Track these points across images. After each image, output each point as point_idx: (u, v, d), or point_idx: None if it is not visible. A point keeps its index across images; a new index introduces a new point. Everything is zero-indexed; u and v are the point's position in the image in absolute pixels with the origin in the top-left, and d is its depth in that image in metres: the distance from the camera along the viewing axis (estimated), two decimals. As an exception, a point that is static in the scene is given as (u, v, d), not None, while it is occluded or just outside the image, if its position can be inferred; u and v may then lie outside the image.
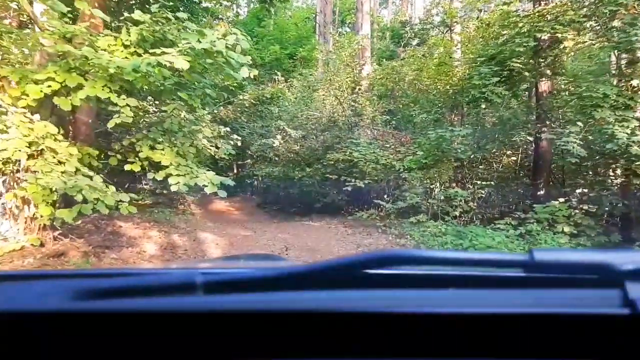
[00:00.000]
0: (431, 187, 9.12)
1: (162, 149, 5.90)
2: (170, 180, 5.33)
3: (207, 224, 10.81)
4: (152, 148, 5.93)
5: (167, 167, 5.57)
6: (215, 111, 10.72)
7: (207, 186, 5.40)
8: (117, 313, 0.62)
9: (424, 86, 13.60)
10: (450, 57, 11.94)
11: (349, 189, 10.08)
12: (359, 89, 13.03)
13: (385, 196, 13.75)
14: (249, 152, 18.66)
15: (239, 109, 10.45)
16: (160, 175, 5.50)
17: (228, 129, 10.03)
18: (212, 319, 0.61)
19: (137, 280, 0.74)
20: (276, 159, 15.15)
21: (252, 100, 10.50)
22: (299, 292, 0.63)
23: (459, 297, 0.63)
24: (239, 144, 9.83)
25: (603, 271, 0.61)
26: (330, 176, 11.20)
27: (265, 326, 0.61)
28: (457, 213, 8.40)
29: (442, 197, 8.78)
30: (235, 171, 21.69)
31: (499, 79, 8.01)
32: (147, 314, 0.62)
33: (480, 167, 9.86)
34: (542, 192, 9.81)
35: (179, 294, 0.64)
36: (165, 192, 15.57)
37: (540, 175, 9.87)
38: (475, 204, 8.87)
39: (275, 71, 16.87)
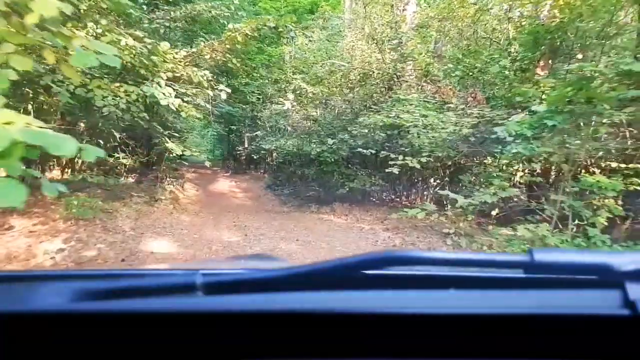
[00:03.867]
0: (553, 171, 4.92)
1: None
2: None
3: (181, 218, 6.89)
4: None
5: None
6: (194, 49, 6.67)
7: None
8: (119, 314, 0.58)
9: (488, 31, 9.30)
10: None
11: (395, 170, 5.94)
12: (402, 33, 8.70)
13: (435, 182, 9.66)
14: (259, 122, 14.69)
15: (227, 46, 6.44)
16: None
17: (207, 72, 5.98)
18: (213, 320, 0.59)
19: (138, 281, 0.68)
20: (289, 128, 11.11)
21: (247, 32, 6.41)
22: (299, 293, 0.60)
23: (459, 297, 0.59)
24: (224, 95, 5.81)
25: (603, 272, 0.57)
26: (363, 151, 7.10)
27: (265, 327, 0.59)
28: (603, 221, 4.21)
29: (569, 190, 4.58)
30: (245, 145, 17.70)
31: None
32: (148, 314, 0.59)
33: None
34: None
35: (180, 295, 0.61)
36: (154, 166, 11.87)
37: None
38: (621, 204, 4.65)
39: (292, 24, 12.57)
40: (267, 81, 11.23)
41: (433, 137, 5.90)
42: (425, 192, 10.60)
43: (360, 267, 0.60)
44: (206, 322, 0.58)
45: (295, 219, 7.86)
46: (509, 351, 0.57)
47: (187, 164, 12.15)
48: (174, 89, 5.59)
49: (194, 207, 9.16)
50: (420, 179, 9.97)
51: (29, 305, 0.60)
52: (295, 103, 8.48)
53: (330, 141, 7.57)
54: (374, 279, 0.62)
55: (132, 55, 5.18)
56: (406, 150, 6.46)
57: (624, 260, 0.56)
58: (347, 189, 8.59)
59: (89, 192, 7.39)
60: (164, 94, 5.14)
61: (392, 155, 6.32)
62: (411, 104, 6.49)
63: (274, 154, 13.80)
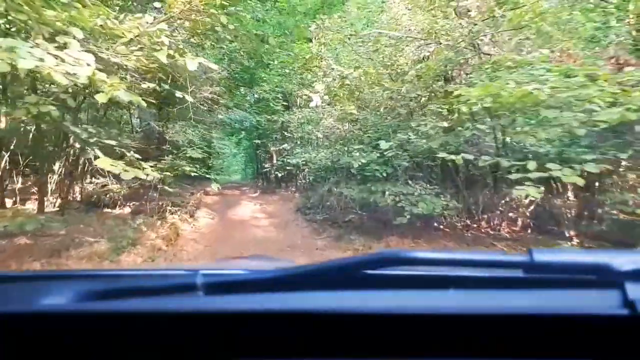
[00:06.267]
0: None
1: None
2: None
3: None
4: None
5: None
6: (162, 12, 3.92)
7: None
8: (120, 314, 0.56)
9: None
10: None
11: (535, 193, 2.86)
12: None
13: (526, 198, 6.47)
14: (286, 133, 11.93)
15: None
16: None
17: (165, 25, 3.19)
18: (213, 320, 0.57)
19: (139, 281, 0.67)
20: (320, 135, 8.24)
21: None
22: (299, 293, 0.58)
23: (458, 297, 0.58)
24: (192, 67, 2.97)
25: (602, 272, 0.55)
26: (449, 157, 4.03)
27: (265, 326, 0.57)
28: None
29: None
30: (273, 161, 14.94)
31: None
32: (149, 314, 0.56)
33: None
34: None
35: (181, 295, 0.59)
36: (170, 187, 9.12)
37: None
38: None
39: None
40: (289, 70, 8.40)
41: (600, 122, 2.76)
42: (511, 214, 7.35)
43: (360, 267, 0.58)
44: (206, 322, 0.56)
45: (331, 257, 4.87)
46: (509, 351, 0.54)
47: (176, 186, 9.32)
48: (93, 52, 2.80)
49: (194, 247, 6.37)
50: (503, 193, 6.75)
51: (29, 305, 0.57)
52: (327, 97, 5.54)
53: (384, 145, 4.53)
54: (374, 279, 0.60)
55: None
56: (527, 151, 3.35)
57: (623, 260, 0.54)
58: (410, 217, 5.50)
59: (35, 236, 4.77)
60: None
61: (504, 162, 3.20)
62: (535, 68, 3.38)
63: (305, 170, 10.92)
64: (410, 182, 5.52)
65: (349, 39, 5.65)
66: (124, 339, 0.55)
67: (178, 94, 3.67)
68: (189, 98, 3.67)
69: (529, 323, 0.54)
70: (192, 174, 6.34)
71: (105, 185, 7.44)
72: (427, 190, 5.63)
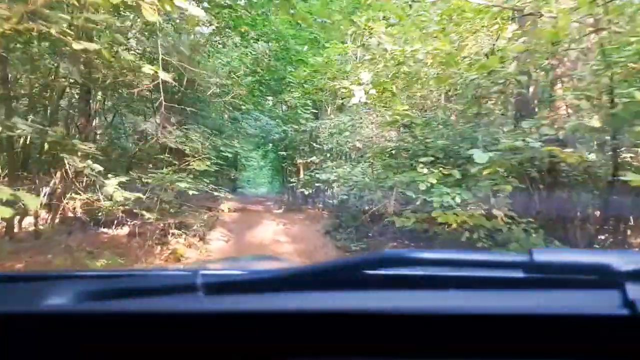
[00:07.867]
0: None
1: None
2: None
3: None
4: None
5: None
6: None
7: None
8: (120, 314, 0.55)
9: None
10: None
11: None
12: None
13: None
14: (317, 145, 10.33)
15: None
16: None
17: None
18: (213, 320, 0.55)
19: (139, 281, 0.65)
20: (358, 145, 6.59)
21: None
22: (299, 293, 0.56)
23: (459, 298, 0.56)
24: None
25: (603, 272, 0.53)
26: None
27: (265, 327, 0.55)
28: None
29: None
30: (300, 175, 13.35)
31: None
32: (149, 314, 0.55)
33: None
34: None
35: (181, 295, 0.57)
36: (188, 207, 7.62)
37: None
38: None
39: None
40: (324, 58, 6.85)
41: None
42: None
43: (360, 267, 0.57)
44: (206, 322, 0.54)
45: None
46: (509, 351, 0.52)
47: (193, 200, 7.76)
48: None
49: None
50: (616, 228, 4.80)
51: (29, 305, 0.55)
52: (373, 91, 3.88)
53: (479, 157, 2.72)
54: (374, 279, 0.58)
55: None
56: None
57: (624, 260, 0.52)
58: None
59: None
60: None
61: None
62: None
63: (335, 187, 9.22)
64: (494, 209, 3.72)
65: (410, 6, 3.98)
66: (123, 339, 0.53)
67: (146, 68, 2.16)
68: (162, 75, 2.12)
69: (529, 323, 0.52)
70: (191, 192, 4.78)
71: (97, 200, 6.00)
72: (518, 223, 3.83)
